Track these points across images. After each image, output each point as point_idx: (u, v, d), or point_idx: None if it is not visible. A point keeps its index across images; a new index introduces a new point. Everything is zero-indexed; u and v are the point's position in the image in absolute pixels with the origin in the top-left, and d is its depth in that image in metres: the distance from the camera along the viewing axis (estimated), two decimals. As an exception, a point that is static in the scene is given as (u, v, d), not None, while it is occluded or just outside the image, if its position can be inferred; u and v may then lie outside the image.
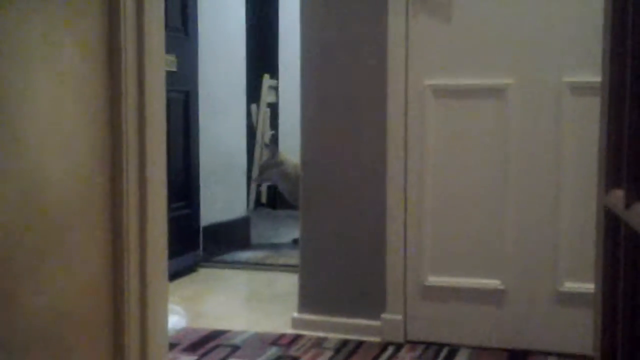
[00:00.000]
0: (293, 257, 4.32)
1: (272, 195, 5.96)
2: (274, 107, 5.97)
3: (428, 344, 2.97)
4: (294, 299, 3.25)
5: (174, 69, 4.13)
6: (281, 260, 4.41)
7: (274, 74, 6.04)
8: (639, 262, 1.34)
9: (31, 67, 1.67)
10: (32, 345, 1.70)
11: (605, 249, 1.70)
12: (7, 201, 1.61)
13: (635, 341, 1.36)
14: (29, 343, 1.69)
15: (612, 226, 1.61)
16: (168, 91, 4.00)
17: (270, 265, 4.45)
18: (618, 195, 1.48)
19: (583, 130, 2.76)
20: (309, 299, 3.19)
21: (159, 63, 2.10)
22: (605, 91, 1.72)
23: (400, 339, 3.01)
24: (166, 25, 4.01)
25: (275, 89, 5.97)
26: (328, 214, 3.14)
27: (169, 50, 4.02)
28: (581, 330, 2.54)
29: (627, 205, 1.36)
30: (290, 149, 4.79)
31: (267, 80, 5.67)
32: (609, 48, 1.68)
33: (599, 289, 1.80)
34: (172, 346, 2.96)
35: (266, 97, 5.70)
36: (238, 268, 4.25)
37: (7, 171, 1.61)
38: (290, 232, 4.92)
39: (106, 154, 1.94)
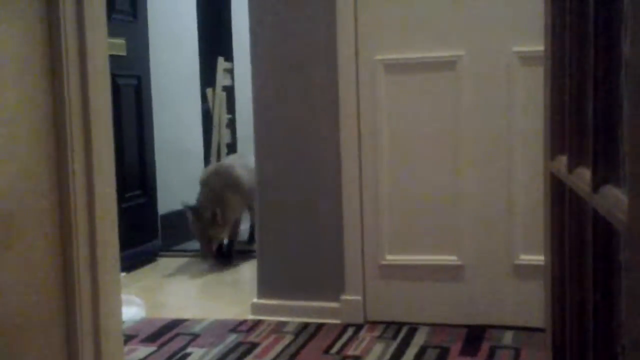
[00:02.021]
0: (250, 244, 4.30)
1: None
2: (229, 90, 5.91)
3: (388, 324, 2.96)
4: (254, 285, 3.22)
5: (123, 53, 4.05)
6: (240, 247, 4.38)
7: (229, 56, 5.97)
8: (583, 225, 1.33)
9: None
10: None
11: (552, 214, 1.70)
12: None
13: (582, 309, 1.36)
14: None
15: (558, 191, 1.61)
16: (118, 76, 3.98)
17: (231, 251, 4.41)
18: (562, 161, 1.48)
19: (534, 99, 2.73)
20: (268, 284, 3.17)
21: (102, 44, 2.04)
22: (547, 62, 1.72)
23: (360, 320, 2.99)
24: (114, 9, 3.97)
25: (231, 71, 5.91)
26: (284, 198, 3.11)
27: (117, 34, 3.94)
28: (538, 303, 2.54)
29: (570, 170, 1.36)
30: (247, 132, 4.74)
31: (221, 63, 5.59)
32: (549, 22, 1.67)
33: (548, 258, 1.80)
34: (131, 337, 2.92)
35: (221, 80, 5.64)
36: (198, 256, 4.21)
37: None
38: (247, 219, 4.87)
39: (50, 147, 1.89)
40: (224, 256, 4.20)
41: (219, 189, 4.00)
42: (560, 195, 1.56)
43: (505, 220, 2.86)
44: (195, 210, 3.95)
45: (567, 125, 1.39)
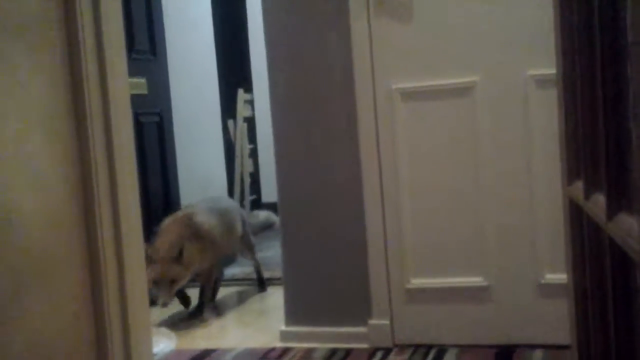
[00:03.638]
0: (280, 271, 4.32)
1: (256, 210, 5.97)
2: (250, 121, 5.98)
3: (416, 347, 2.98)
4: (281, 312, 3.25)
5: (145, 92, 4.13)
6: (268, 274, 4.42)
7: (249, 88, 6.05)
8: (601, 250, 1.36)
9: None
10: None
11: (572, 238, 1.72)
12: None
13: (605, 328, 1.38)
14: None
15: (576, 216, 1.63)
16: (140, 114, 4.06)
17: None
18: (579, 186, 1.51)
19: (551, 122, 2.76)
20: (295, 311, 3.20)
21: (123, 86, 2.11)
22: (559, 87, 1.75)
23: (388, 344, 3.02)
24: (133, 49, 4.06)
25: (251, 102, 5.99)
26: (307, 226, 3.15)
27: (138, 73, 4.03)
28: (564, 321, 2.54)
29: (587, 196, 1.39)
30: (269, 160, 4.80)
31: (241, 95, 5.68)
32: (560, 46, 1.71)
33: (570, 279, 1.82)
34: (162, 370, 2.96)
35: (242, 111, 5.72)
36: (225, 285, 4.25)
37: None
38: (274, 246, 4.91)
39: (77, 185, 1.95)
40: (188, 304, 3.89)
41: (175, 238, 3.52)
42: (578, 220, 1.58)
43: (529, 240, 2.88)
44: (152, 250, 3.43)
45: (581, 151, 1.42)
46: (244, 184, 5.81)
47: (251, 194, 6.03)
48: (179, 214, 3.75)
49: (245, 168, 5.84)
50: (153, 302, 3.40)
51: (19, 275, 1.73)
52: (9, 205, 1.71)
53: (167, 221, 3.67)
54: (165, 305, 3.41)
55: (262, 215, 4.31)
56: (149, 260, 3.16)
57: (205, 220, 3.71)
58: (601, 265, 1.35)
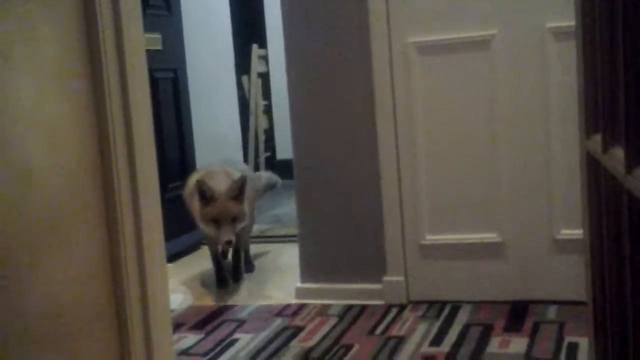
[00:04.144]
0: (295, 228, 4.32)
1: (270, 167, 5.97)
2: (265, 77, 5.95)
3: (430, 303, 2.99)
4: (296, 270, 3.26)
5: (159, 47, 4.11)
6: (283, 232, 4.43)
7: (263, 43, 6.01)
8: (619, 204, 1.34)
9: (10, 62, 1.66)
10: (33, 341, 1.72)
11: (589, 193, 1.70)
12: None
13: (621, 284, 1.37)
14: (29, 340, 1.70)
15: (593, 170, 1.61)
16: (156, 70, 4.03)
17: (273, 237, 4.46)
18: (597, 140, 1.49)
19: (569, 75, 2.73)
20: (311, 268, 3.21)
21: (139, 42, 2.09)
22: (578, 40, 1.72)
23: (403, 300, 3.03)
24: (148, 5, 4.02)
25: (265, 58, 5.95)
26: (323, 182, 3.14)
27: (152, 29, 4.00)
28: (580, 277, 2.54)
29: (605, 150, 1.37)
30: (284, 117, 4.78)
31: (255, 51, 5.64)
32: (579, -3, 1.67)
33: (587, 234, 1.81)
34: (179, 325, 2.98)
35: (256, 67, 5.68)
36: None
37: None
38: (289, 202, 4.92)
39: (93, 142, 1.94)
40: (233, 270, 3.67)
41: (234, 178, 3.33)
42: (596, 174, 1.57)
43: (545, 195, 2.87)
44: (207, 188, 3.21)
45: (600, 104, 1.40)
46: (258, 141, 5.81)
47: (265, 150, 6.02)
48: (215, 167, 3.49)
49: (260, 125, 5.83)
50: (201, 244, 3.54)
51: (37, 233, 1.74)
52: (26, 163, 1.71)
53: (210, 170, 3.43)
54: (230, 243, 3.24)
55: (265, 176, 4.27)
56: (207, 199, 3.18)
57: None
58: (619, 220, 1.34)
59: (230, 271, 3.65)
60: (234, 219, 3.22)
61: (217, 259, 3.58)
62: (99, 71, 1.94)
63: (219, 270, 3.56)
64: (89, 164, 1.93)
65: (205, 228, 3.29)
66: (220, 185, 3.26)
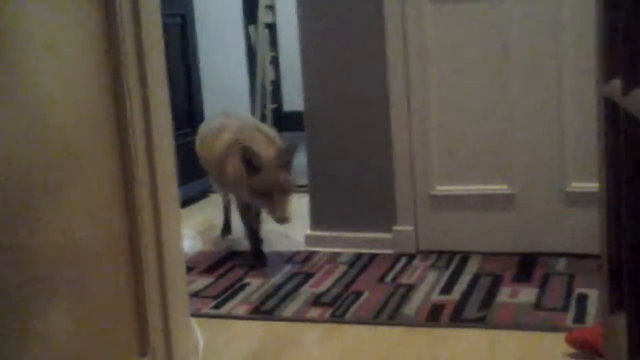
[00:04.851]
0: (305, 178, 4.32)
1: (277, 119, 5.95)
2: (272, 28, 5.90)
3: (440, 253, 3.01)
4: (306, 219, 3.28)
5: (168, -7, 4.07)
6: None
7: (270, -7, 5.94)
8: (639, 148, 1.34)
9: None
10: (47, 274, 1.73)
11: (606, 140, 1.70)
12: (16, 125, 1.62)
13: (638, 235, 1.37)
14: (46, 274, 1.72)
15: (611, 115, 1.61)
16: (164, 15, 3.99)
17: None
18: (616, 84, 1.48)
19: (584, 19, 2.70)
20: (320, 217, 3.22)
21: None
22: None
23: (413, 250, 3.05)
24: (157, -50, 3.96)
25: (272, 8, 5.90)
26: (333, 132, 3.14)
27: (162, -26, 3.96)
28: (589, 230, 2.56)
29: (625, 92, 1.36)
30: (291, 68, 4.75)
31: (263, 0, 5.58)
32: None
33: (603, 184, 1.81)
34: (189, 269, 2.99)
35: (263, 17, 5.63)
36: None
37: (10, 95, 1.61)
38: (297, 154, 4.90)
39: (107, 79, 1.94)
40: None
41: (281, 146, 2.97)
42: (614, 120, 1.56)
43: (556, 148, 2.87)
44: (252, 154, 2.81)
45: (620, 46, 1.39)
46: (265, 92, 5.78)
47: (272, 102, 6.00)
48: (246, 124, 3.14)
49: (267, 76, 5.80)
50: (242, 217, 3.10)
51: (53, 164, 1.74)
52: (42, 93, 1.71)
53: (244, 130, 3.03)
54: (286, 220, 2.82)
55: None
56: (254, 167, 2.79)
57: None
58: (638, 165, 1.34)
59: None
60: (286, 192, 2.84)
61: (253, 230, 3.15)
62: (113, 8, 1.93)
63: (256, 244, 3.13)
64: (103, 100, 1.93)
65: (251, 199, 2.90)
66: (268, 152, 2.85)
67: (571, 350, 2.11)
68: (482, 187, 2.98)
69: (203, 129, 3.35)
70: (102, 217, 1.92)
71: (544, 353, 2.14)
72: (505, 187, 2.95)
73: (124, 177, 1.99)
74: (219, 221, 3.62)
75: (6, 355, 1.60)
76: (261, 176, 2.80)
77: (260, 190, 2.81)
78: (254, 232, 3.15)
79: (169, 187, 2.13)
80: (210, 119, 3.40)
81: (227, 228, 3.55)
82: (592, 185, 1.92)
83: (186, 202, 4.07)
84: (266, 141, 2.96)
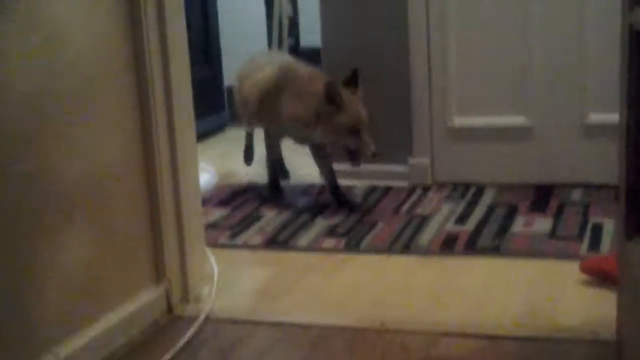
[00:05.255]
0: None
1: (293, 54, 5.90)
2: (289, -38, 5.81)
3: (455, 185, 3.00)
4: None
5: None
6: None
7: None
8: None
9: None
10: (71, 210, 1.75)
11: (629, 69, 1.67)
12: (34, 52, 1.62)
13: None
14: (63, 198, 1.73)
15: (636, 44, 1.58)
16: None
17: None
18: (641, 11, 1.45)
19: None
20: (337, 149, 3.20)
21: None
22: None
23: (428, 181, 3.04)
24: None
25: (290, -58, 5.79)
26: (350, 62, 3.10)
27: None
28: (607, 160, 2.53)
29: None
30: (309, 4, 4.70)
31: None
32: None
33: (624, 114, 1.78)
34: (205, 202, 3.00)
35: (281, -49, 5.54)
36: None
37: (30, 19, 1.61)
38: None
39: (124, 8, 1.93)
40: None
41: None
42: (638, 49, 1.53)
43: (575, 80, 2.83)
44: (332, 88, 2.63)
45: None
46: (282, 28, 5.72)
47: (289, 37, 5.94)
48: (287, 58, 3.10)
49: (284, 11, 5.73)
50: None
51: (69, 91, 1.74)
52: (57, 22, 1.70)
53: (292, 68, 2.87)
54: (375, 155, 2.67)
55: None
56: (336, 105, 2.62)
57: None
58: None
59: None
60: (368, 126, 2.68)
61: (276, 165, 3.09)
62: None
63: (275, 179, 3.10)
64: (120, 28, 1.92)
65: (331, 137, 2.70)
66: (345, 89, 2.68)
67: (585, 277, 2.11)
68: (499, 119, 2.95)
69: (243, 68, 3.18)
70: (118, 143, 1.92)
71: (558, 281, 2.15)
72: (523, 119, 2.92)
73: (140, 103, 1.99)
74: (235, 155, 3.61)
75: (17, 278, 1.62)
76: (346, 113, 2.63)
77: (347, 128, 2.64)
78: (277, 166, 3.13)
79: (185, 114, 2.12)
80: (246, 61, 3.23)
81: (250, 154, 3.35)
82: (611, 117, 1.89)
83: (202, 137, 4.06)
84: (315, 76, 2.79)
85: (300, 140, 2.91)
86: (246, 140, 3.37)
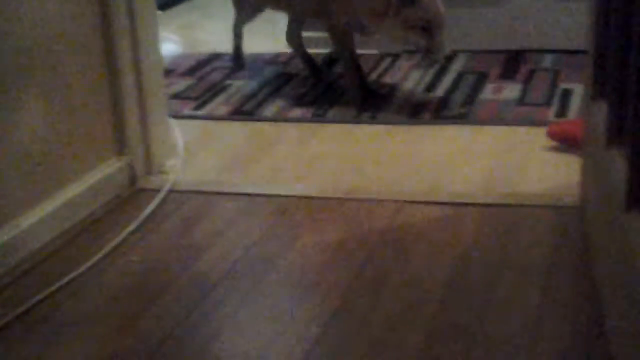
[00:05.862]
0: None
1: None
2: None
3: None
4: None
5: None
6: None
7: None
8: None
9: None
10: (25, 83, 1.69)
11: None
12: None
13: (626, 30, 1.32)
14: (19, 81, 1.67)
15: None
16: None
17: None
18: None
19: None
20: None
21: None
22: None
23: (398, 49, 2.97)
24: None
25: None
26: None
27: None
28: (578, 26, 2.48)
29: None
30: None
31: None
32: None
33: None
34: (169, 72, 2.94)
35: None
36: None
37: None
38: None
39: None
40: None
41: None
42: None
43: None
44: None
45: None
46: None
47: None
48: None
49: None
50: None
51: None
52: None
53: None
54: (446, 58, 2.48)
55: None
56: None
57: None
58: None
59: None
60: (443, 26, 2.38)
61: (354, 65, 2.59)
62: None
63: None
64: None
65: (400, 34, 2.38)
66: None
67: (552, 143, 2.10)
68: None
69: None
70: (71, 13, 1.84)
71: (525, 147, 2.14)
72: (494, -17, 2.84)
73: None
74: (201, 25, 3.51)
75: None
76: (422, 7, 2.32)
77: (420, 24, 2.33)
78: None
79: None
80: None
81: (239, 59, 3.00)
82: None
83: (168, 4, 3.93)
84: None
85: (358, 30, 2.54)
86: (235, 42, 3.00)
